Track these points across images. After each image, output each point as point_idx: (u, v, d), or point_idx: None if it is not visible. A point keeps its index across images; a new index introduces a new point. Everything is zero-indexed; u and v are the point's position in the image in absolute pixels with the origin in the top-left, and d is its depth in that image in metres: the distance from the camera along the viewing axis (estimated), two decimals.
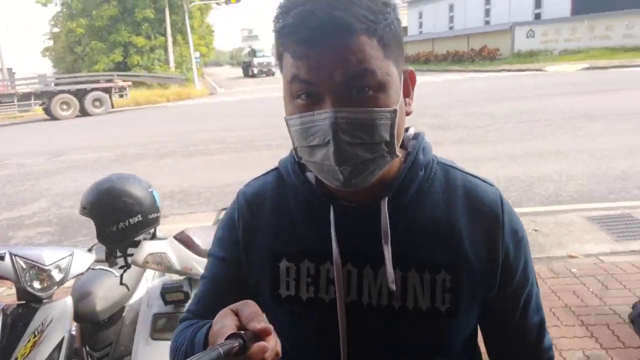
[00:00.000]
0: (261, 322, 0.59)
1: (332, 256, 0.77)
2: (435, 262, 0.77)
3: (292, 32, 0.68)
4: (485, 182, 0.82)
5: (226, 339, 0.56)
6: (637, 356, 2.42)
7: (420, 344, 0.79)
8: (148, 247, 1.87)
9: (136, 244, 1.86)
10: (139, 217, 1.79)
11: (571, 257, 3.73)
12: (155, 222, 1.88)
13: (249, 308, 0.61)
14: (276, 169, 0.88)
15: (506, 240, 0.78)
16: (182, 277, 1.98)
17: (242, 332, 0.57)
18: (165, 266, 1.88)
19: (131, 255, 1.85)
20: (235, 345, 0.54)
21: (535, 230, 4.24)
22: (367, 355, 0.79)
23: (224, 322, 0.60)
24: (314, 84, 0.68)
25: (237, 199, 0.89)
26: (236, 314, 0.61)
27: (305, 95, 0.70)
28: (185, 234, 1.98)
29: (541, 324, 0.86)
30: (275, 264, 0.81)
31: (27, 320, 1.77)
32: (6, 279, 1.76)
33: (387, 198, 0.76)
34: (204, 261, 1.83)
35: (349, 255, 0.77)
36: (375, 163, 0.71)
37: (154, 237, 1.96)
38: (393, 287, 0.75)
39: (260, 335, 0.57)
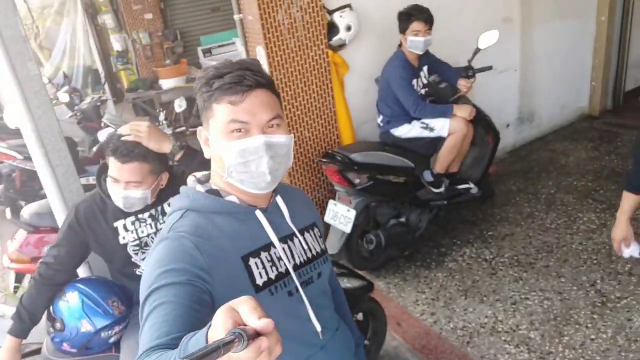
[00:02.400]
0: (262, 317, 0.60)
1: (272, 243, 1.10)
2: (310, 223, 1.24)
3: (230, 89, 1.00)
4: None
5: (227, 335, 0.56)
6: None
7: (324, 272, 1.22)
8: None
9: None
10: None
11: None
12: None
13: (249, 303, 0.62)
14: (185, 211, 1.08)
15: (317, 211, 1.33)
16: None
17: (243, 327, 0.57)
18: None
19: None
20: (235, 340, 0.54)
21: None
22: (314, 292, 1.16)
23: (224, 318, 0.60)
24: (248, 122, 1.01)
25: (178, 236, 1.01)
26: (236, 310, 0.62)
27: (237, 130, 1.01)
28: None
29: None
30: (247, 263, 1.05)
31: None
32: None
33: (277, 197, 1.15)
34: None
35: (279, 238, 1.11)
36: (281, 171, 1.07)
37: None
38: (305, 246, 1.18)
39: (262, 330, 0.59)
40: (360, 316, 2.59)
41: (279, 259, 1.10)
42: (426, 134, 3.21)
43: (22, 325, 1.86)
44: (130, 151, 1.68)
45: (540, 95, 4.85)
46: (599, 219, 3.52)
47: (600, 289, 2.86)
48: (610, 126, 4.99)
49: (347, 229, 3.05)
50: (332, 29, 3.36)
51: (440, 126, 3.17)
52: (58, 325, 1.88)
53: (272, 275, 1.07)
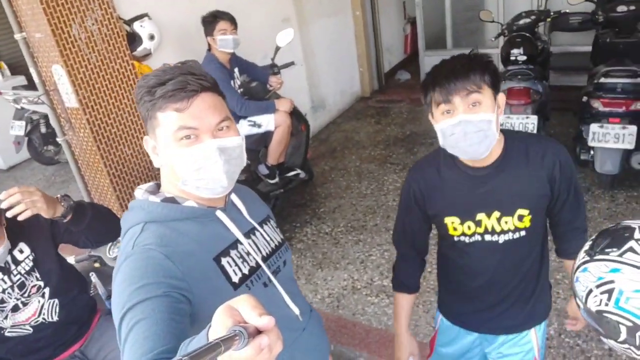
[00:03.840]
0: (262, 314, 0.60)
1: (239, 240, 1.10)
2: (265, 215, 1.25)
3: (174, 95, 0.96)
4: None
5: (227, 332, 0.56)
6: None
7: (288, 260, 1.24)
8: None
9: None
10: None
11: None
12: None
13: (249, 301, 0.62)
14: (144, 223, 1.03)
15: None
16: None
17: (243, 325, 0.57)
18: None
19: None
20: (236, 338, 0.54)
21: None
22: (284, 279, 1.18)
23: (224, 317, 0.60)
24: (197, 127, 0.98)
25: (145, 250, 0.97)
26: (236, 308, 0.62)
27: (186, 137, 0.98)
28: None
29: None
30: (220, 263, 1.04)
31: None
32: None
33: (232, 194, 1.14)
34: None
35: (243, 233, 1.11)
36: (238, 172, 1.07)
37: None
38: (267, 237, 1.19)
39: (262, 328, 0.59)
40: None
41: (248, 254, 1.11)
42: (255, 130, 3.38)
43: None
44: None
45: (324, 85, 5.48)
46: (399, 177, 4.23)
47: None
48: (382, 103, 5.95)
49: None
50: (133, 39, 3.24)
51: (267, 121, 3.37)
52: None
53: (246, 271, 1.08)
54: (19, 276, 1.64)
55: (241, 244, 1.10)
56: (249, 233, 1.15)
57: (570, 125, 4.22)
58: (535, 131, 3.37)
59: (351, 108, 5.97)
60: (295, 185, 3.80)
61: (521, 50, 3.69)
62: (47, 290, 1.70)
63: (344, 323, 2.84)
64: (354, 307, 2.93)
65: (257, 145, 3.48)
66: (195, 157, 0.99)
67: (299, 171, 3.77)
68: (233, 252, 1.07)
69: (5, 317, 1.64)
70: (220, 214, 1.08)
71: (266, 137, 3.46)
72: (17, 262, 1.64)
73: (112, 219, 1.68)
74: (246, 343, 0.55)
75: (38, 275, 1.68)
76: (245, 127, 3.36)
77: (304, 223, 3.85)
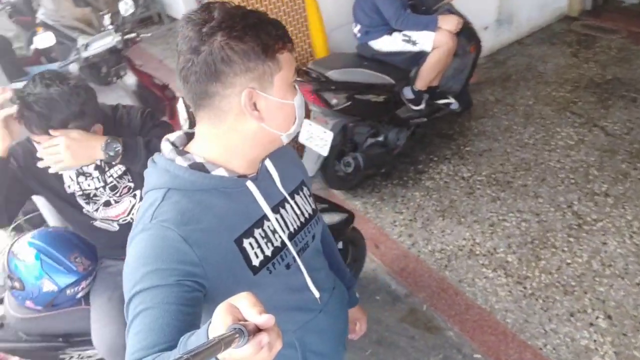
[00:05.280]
0: (262, 312, 0.59)
1: (266, 216, 1.01)
2: (299, 182, 1.14)
3: (283, 35, 0.89)
4: None
5: (227, 330, 0.56)
6: None
7: (318, 233, 1.17)
8: None
9: None
10: None
11: None
12: None
13: (248, 300, 0.61)
14: (167, 190, 0.93)
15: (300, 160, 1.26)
16: None
17: (243, 323, 0.57)
18: None
19: None
20: (236, 336, 0.54)
21: None
22: (310, 255, 1.12)
23: (224, 315, 0.60)
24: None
25: (162, 229, 0.88)
26: (236, 306, 0.61)
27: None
28: None
29: None
30: (241, 246, 0.96)
31: None
32: None
33: (267, 159, 1.04)
34: None
35: (271, 208, 1.02)
36: None
37: None
38: (297, 210, 1.10)
39: (262, 325, 0.58)
40: (339, 244, 2.52)
41: (274, 231, 1.02)
42: (408, 47, 2.94)
43: None
44: (46, 123, 1.41)
45: None
46: (577, 134, 3.47)
47: (577, 210, 2.88)
48: (589, 29, 4.79)
49: (324, 151, 2.87)
50: None
51: (424, 40, 2.89)
52: (17, 284, 1.70)
53: (269, 252, 1.00)
54: (111, 179, 1.67)
55: (268, 220, 1.02)
56: (278, 206, 1.06)
57: None
58: None
59: (547, 28, 4.93)
60: (442, 116, 3.34)
61: None
62: (138, 192, 1.72)
63: (445, 287, 2.57)
64: (464, 274, 2.61)
65: (409, 64, 3.05)
66: (302, 96, 0.99)
67: (451, 100, 3.28)
68: (257, 232, 0.99)
69: (97, 210, 1.71)
70: (250, 184, 0.99)
71: (418, 57, 2.99)
72: (111, 165, 1.65)
73: None
74: (246, 341, 0.56)
75: (129, 178, 1.70)
76: (397, 42, 2.93)
77: (442, 159, 3.44)
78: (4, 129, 1.42)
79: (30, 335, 1.84)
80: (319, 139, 2.88)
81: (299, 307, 1.12)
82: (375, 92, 2.91)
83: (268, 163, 1.04)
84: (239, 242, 0.95)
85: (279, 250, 1.02)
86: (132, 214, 1.73)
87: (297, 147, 3.31)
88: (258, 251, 0.98)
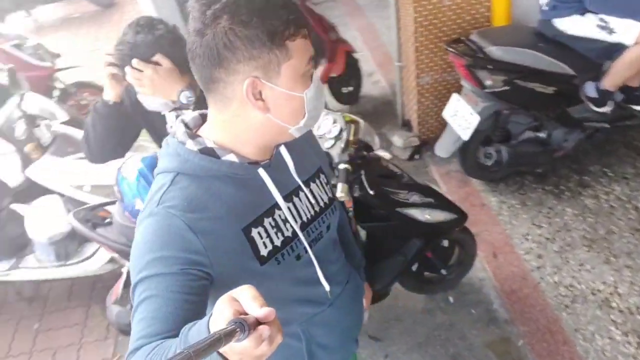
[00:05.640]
0: (262, 306, 0.59)
1: (277, 204, 0.97)
2: (315, 171, 1.09)
3: (295, 21, 0.82)
4: None
5: (227, 324, 0.56)
6: None
7: (333, 223, 1.12)
8: None
9: None
10: None
11: None
12: None
13: (249, 293, 0.61)
14: (176, 176, 0.91)
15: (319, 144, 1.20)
16: None
17: (244, 316, 0.57)
18: None
19: None
20: (236, 330, 0.55)
21: None
22: (323, 246, 1.08)
23: (225, 308, 0.60)
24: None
25: (168, 215, 0.86)
26: (236, 299, 0.61)
27: (312, 68, 0.89)
28: None
29: None
30: (249, 235, 0.93)
31: None
32: None
33: (282, 145, 0.99)
34: None
35: (283, 196, 0.98)
36: None
37: None
38: (312, 199, 1.05)
39: (262, 319, 0.58)
40: (445, 243, 2.28)
41: (285, 221, 0.98)
42: (602, 35, 2.32)
43: None
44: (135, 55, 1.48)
45: None
46: None
47: None
48: None
49: (466, 135, 2.55)
50: None
51: (625, 30, 2.24)
52: (118, 195, 1.92)
53: (278, 243, 0.97)
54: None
55: (279, 209, 0.98)
56: (291, 194, 1.01)
57: None
58: None
59: None
60: (634, 125, 2.65)
61: None
62: None
63: (556, 330, 2.17)
64: (584, 324, 2.16)
65: (599, 56, 2.41)
66: (318, 89, 0.91)
67: None
68: (267, 221, 0.96)
69: None
70: (262, 172, 0.95)
71: (613, 49, 2.34)
72: None
73: None
74: (246, 335, 0.56)
75: None
76: (589, 26, 2.32)
77: (619, 177, 2.78)
78: (111, 79, 1.59)
79: (130, 241, 2.10)
80: (463, 119, 2.56)
81: (307, 299, 1.09)
82: (543, 80, 2.41)
83: (283, 149, 1.00)
84: (247, 231, 0.93)
85: (290, 240, 0.99)
86: None
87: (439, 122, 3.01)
88: (267, 241, 0.95)
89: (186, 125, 0.96)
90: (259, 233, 0.94)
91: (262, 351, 0.59)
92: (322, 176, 1.11)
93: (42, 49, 4.20)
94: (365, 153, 1.87)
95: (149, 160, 1.93)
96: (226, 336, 0.53)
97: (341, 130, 1.77)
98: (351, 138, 1.74)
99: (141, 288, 0.83)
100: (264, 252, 0.94)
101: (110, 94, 1.63)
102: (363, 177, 1.84)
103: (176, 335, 0.72)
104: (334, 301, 1.13)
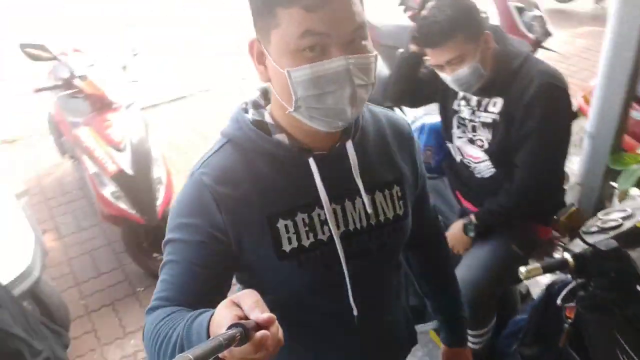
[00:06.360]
0: (264, 311, 0.60)
1: (320, 202, 0.88)
2: (388, 180, 0.96)
3: None
4: (396, 114, 1.05)
5: (228, 328, 0.57)
6: None
7: (393, 243, 0.98)
8: None
9: None
10: None
11: None
12: None
13: (251, 298, 0.62)
14: (227, 141, 0.90)
15: (419, 154, 1.04)
16: None
17: (244, 321, 0.58)
18: None
19: None
20: (236, 334, 0.55)
21: None
22: (367, 267, 0.96)
23: (226, 312, 0.61)
24: (328, 35, 0.74)
25: (199, 182, 0.86)
26: (238, 304, 0.62)
27: (310, 48, 0.74)
28: None
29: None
30: (274, 225, 0.87)
31: None
32: None
33: (350, 140, 0.89)
34: None
35: (331, 196, 0.89)
36: (364, 103, 0.83)
37: None
38: (370, 209, 0.92)
39: (263, 324, 0.59)
40: None
41: (323, 222, 0.89)
42: None
43: None
44: (441, 32, 1.49)
45: None
46: None
47: None
48: None
49: None
50: None
51: None
52: None
53: (306, 243, 0.89)
54: (477, 120, 1.71)
55: (321, 208, 0.88)
56: (344, 197, 0.91)
57: None
58: None
59: None
60: None
61: None
62: (487, 157, 1.74)
63: None
64: None
65: None
66: (319, 78, 0.75)
67: None
68: (301, 216, 0.88)
69: (460, 137, 1.80)
70: (312, 163, 0.87)
71: None
72: (485, 108, 1.68)
73: None
74: (246, 338, 0.57)
75: (488, 138, 1.71)
76: None
77: None
78: None
79: None
80: None
81: (329, 313, 0.98)
82: None
83: (349, 145, 0.89)
84: (272, 220, 0.87)
85: (322, 245, 0.90)
86: (482, 165, 1.75)
87: None
88: (293, 237, 0.88)
89: (264, 92, 0.92)
90: (285, 226, 0.88)
91: (262, 356, 0.59)
92: (396, 187, 0.97)
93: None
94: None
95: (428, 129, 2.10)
96: (227, 341, 0.54)
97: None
98: None
99: (168, 249, 0.86)
100: (286, 247, 0.88)
101: None
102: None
103: (189, 306, 0.77)
104: (360, 330, 1.00)
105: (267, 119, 0.88)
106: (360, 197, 0.91)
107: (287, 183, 0.88)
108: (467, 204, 1.90)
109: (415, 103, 2.01)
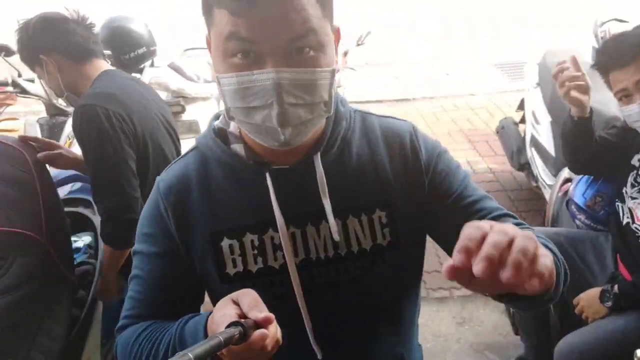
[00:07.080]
0: (262, 310, 0.60)
1: (274, 223, 0.78)
2: (369, 203, 0.81)
3: None
4: (398, 119, 0.88)
5: (226, 327, 0.57)
6: (502, 161, 3.42)
7: (369, 282, 0.82)
8: (150, 73, 2.52)
9: (141, 71, 2.51)
10: (143, 49, 2.42)
11: (471, 94, 4.97)
12: (154, 53, 2.52)
13: (250, 297, 0.62)
14: (195, 148, 0.85)
15: (426, 161, 0.83)
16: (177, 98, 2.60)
17: (243, 320, 0.58)
18: (163, 87, 2.54)
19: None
20: (235, 333, 0.55)
21: (447, 74, 5.44)
22: (332, 310, 0.82)
23: (225, 311, 0.61)
24: (255, 42, 0.65)
25: (157, 190, 0.82)
26: (237, 303, 0.62)
27: (242, 54, 0.66)
28: (175, 64, 2.64)
29: (483, 199, 0.84)
30: (217, 244, 0.80)
31: (59, 129, 2.44)
32: (38, 96, 2.30)
33: (319, 154, 0.78)
34: (193, 85, 2.49)
35: (290, 218, 0.78)
36: (313, 123, 0.72)
37: (152, 65, 2.61)
38: (337, 237, 0.78)
39: (262, 323, 0.59)
40: None
41: (277, 248, 0.80)
42: None
43: None
44: (631, 47, 1.34)
45: None
46: None
47: None
48: None
49: None
50: None
51: None
52: None
53: (253, 268, 0.80)
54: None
55: (275, 231, 0.78)
56: (307, 219, 0.80)
57: None
58: None
59: None
60: None
61: None
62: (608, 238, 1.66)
63: None
64: None
65: None
66: (246, 91, 0.67)
67: None
68: (251, 237, 0.79)
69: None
70: (268, 178, 0.77)
71: None
72: None
73: None
74: (245, 337, 0.57)
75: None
76: None
77: None
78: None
79: None
80: None
81: (288, 354, 0.74)
82: None
83: (317, 160, 0.78)
84: (216, 238, 0.80)
85: (273, 273, 0.80)
86: None
87: None
88: (239, 260, 0.80)
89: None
90: (230, 246, 0.79)
91: (260, 355, 0.59)
92: (379, 213, 0.81)
93: None
94: None
95: None
96: (226, 340, 0.54)
97: None
98: None
99: (135, 261, 0.84)
100: (230, 270, 0.80)
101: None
102: None
103: (161, 320, 0.76)
104: None
105: (232, 127, 0.81)
106: (327, 220, 0.78)
107: (240, 199, 0.79)
108: (623, 270, 1.59)
109: (602, 171, 1.67)
